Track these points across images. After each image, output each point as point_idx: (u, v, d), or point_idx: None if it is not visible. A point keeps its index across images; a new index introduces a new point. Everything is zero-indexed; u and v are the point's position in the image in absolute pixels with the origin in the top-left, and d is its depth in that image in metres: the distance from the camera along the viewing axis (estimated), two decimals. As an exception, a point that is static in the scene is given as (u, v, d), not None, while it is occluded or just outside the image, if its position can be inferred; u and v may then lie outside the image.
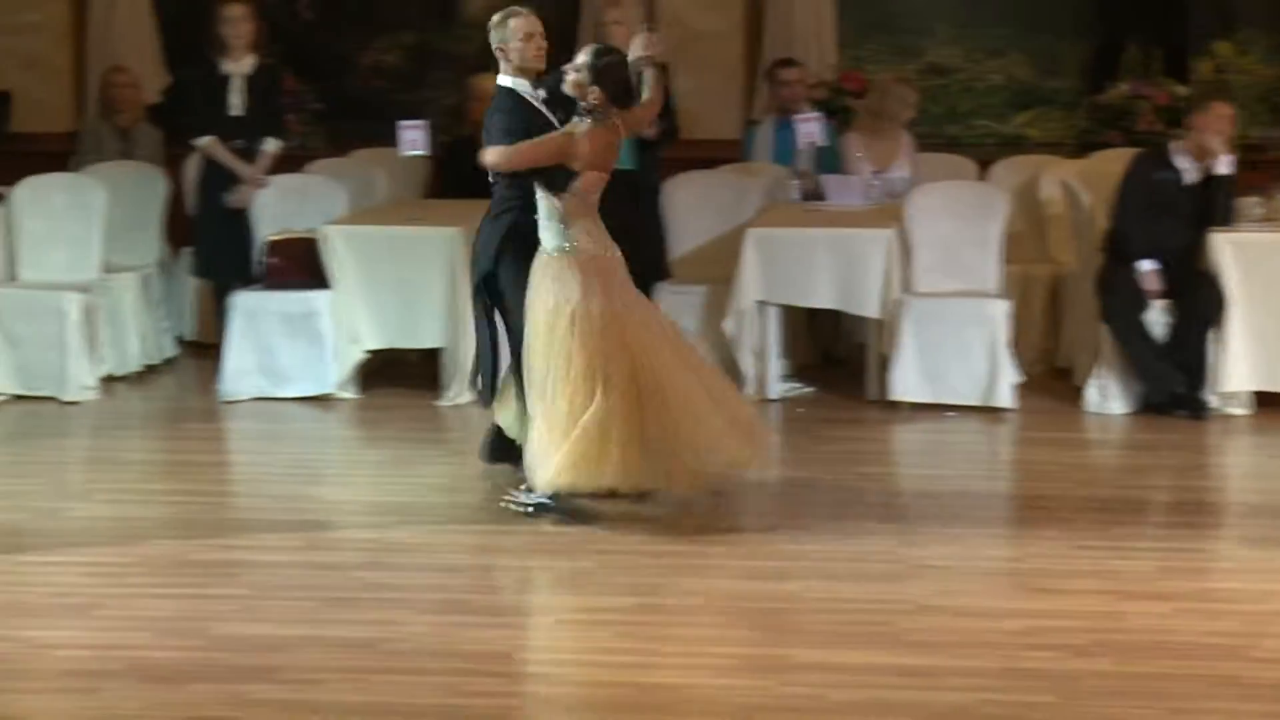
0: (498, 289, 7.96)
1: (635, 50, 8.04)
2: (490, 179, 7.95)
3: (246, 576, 7.21)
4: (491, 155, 7.78)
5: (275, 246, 10.26)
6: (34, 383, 10.09)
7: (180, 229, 11.18)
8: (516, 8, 8.00)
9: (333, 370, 10.08)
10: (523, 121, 7.82)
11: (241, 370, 10.09)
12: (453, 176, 11.31)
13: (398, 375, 10.50)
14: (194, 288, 11.30)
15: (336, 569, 7.25)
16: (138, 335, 10.77)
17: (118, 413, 10.01)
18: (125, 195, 10.87)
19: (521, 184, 7.84)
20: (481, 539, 7.67)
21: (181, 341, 11.35)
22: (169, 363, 11.11)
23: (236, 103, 10.54)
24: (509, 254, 7.89)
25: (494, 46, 7.98)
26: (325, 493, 8.55)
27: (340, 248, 10.05)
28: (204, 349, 11.09)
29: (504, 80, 7.98)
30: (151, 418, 10.10)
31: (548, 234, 7.76)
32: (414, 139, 10.56)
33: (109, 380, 10.42)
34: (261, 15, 10.78)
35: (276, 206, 10.54)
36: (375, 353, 10.22)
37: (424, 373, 10.31)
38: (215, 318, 10.72)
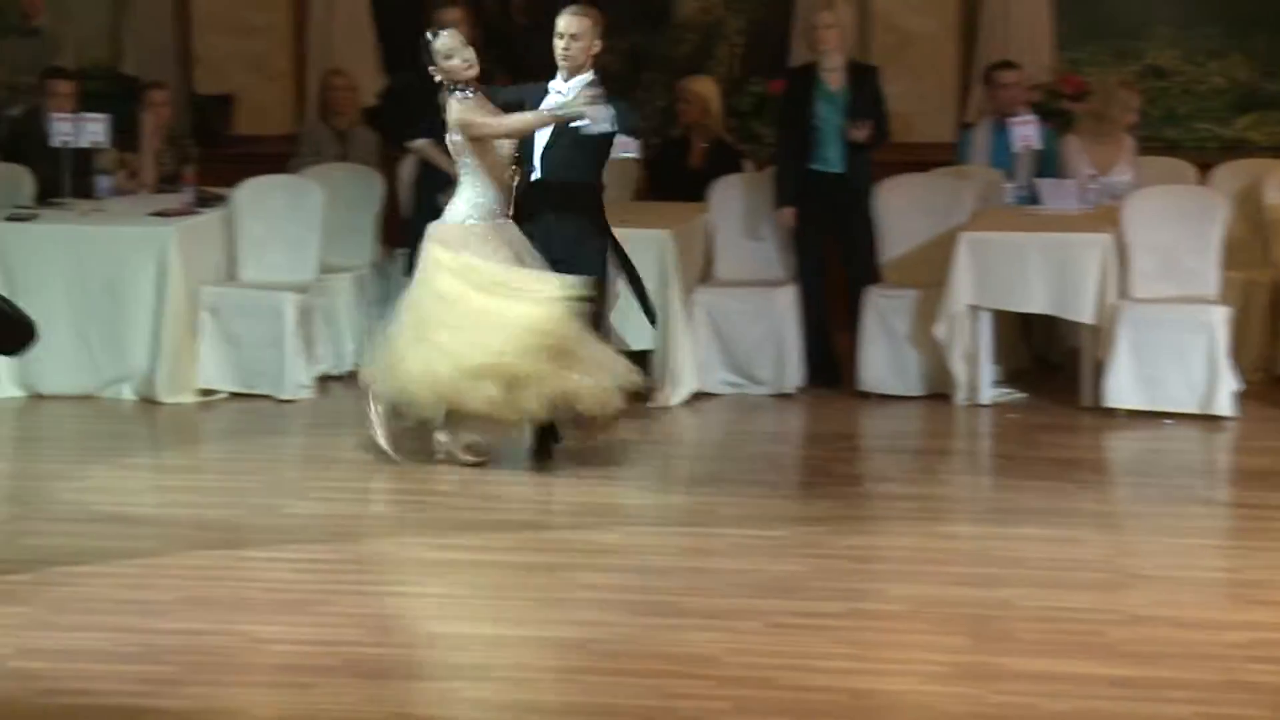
0: None
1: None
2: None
3: (457, 575, 7.26)
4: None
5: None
6: (252, 381, 10.24)
7: (394, 230, 11.28)
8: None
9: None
10: None
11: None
12: (663, 178, 11.32)
13: (608, 377, 10.51)
14: (407, 288, 11.38)
15: (546, 569, 7.28)
16: (352, 335, 10.88)
17: (332, 411, 10.12)
18: (342, 197, 11.00)
19: None
20: (692, 541, 7.66)
21: (390, 341, 11.44)
22: (379, 361, 11.21)
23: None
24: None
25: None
26: (535, 493, 8.59)
27: (552, 249, 10.08)
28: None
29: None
30: (365, 417, 10.19)
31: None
32: (625, 141, 10.57)
33: (324, 379, 10.54)
34: (476, 19, 10.85)
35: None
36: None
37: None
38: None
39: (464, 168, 8.70)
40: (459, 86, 8.60)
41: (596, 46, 8.70)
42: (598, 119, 8.28)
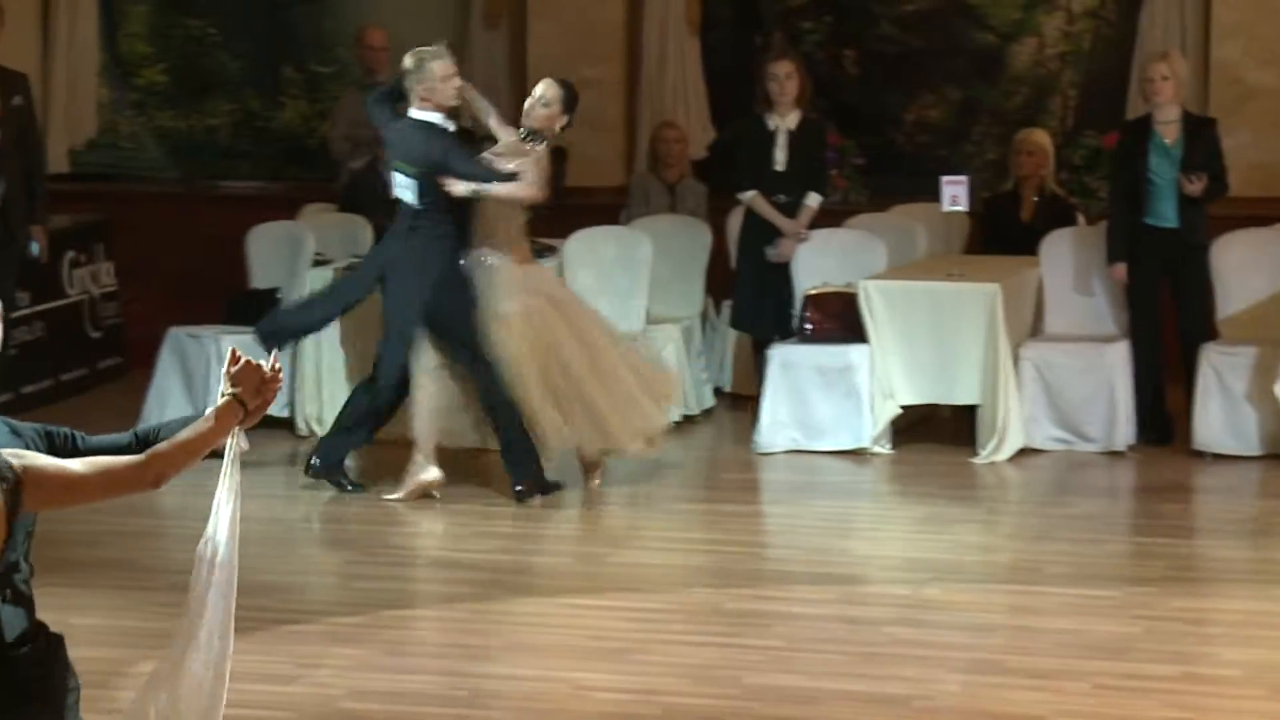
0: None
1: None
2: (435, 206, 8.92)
3: (780, 628, 7.25)
4: (527, 188, 8.92)
5: (813, 300, 10.32)
6: (579, 430, 10.34)
7: (722, 281, 11.34)
8: (430, 49, 8.99)
9: (868, 424, 10.07)
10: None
11: (777, 423, 10.17)
12: (993, 232, 11.21)
13: (932, 431, 10.43)
14: (733, 340, 11.45)
15: (869, 624, 7.23)
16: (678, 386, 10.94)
17: (659, 461, 10.18)
18: (671, 248, 11.10)
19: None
20: (1017, 598, 7.55)
21: (720, 392, 11.50)
22: (707, 413, 11.27)
23: (781, 158, 10.64)
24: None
25: (413, 86, 8.95)
26: (858, 547, 8.55)
27: (878, 302, 10.05)
28: (741, 400, 11.21)
29: (424, 115, 8.95)
30: (689, 467, 10.27)
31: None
32: (956, 194, 10.51)
33: (650, 429, 10.61)
34: (808, 71, 10.87)
35: (816, 260, 10.60)
36: (910, 408, 10.17)
37: (958, 429, 10.21)
38: (753, 370, 10.84)
39: None
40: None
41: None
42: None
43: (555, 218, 11.40)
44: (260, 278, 11.00)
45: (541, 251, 10.91)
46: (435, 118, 8.99)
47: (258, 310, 10.72)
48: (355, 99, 12.19)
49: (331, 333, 10.23)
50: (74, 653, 6.80)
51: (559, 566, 8.11)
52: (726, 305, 11.30)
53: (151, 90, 13.32)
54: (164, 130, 13.34)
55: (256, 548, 8.33)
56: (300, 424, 10.44)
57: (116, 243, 11.99)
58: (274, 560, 8.19)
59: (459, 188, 8.87)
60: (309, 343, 10.24)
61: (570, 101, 9.26)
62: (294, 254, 10.86)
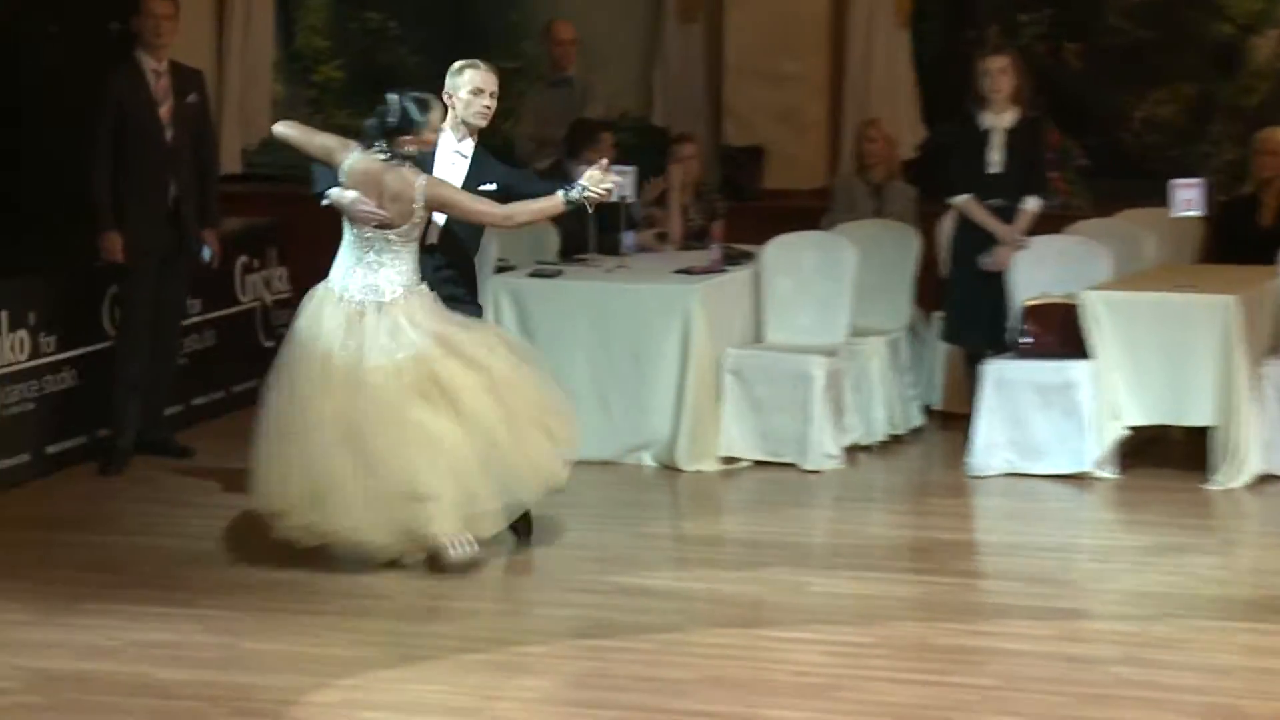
0: None
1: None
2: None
3: (993, 665, 7.13)
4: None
5: (1032, 312, 10.19)
6: (776, 449, 10.28)
7: (931, 291, 11.24)
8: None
9: (1091, 447, 9.91)
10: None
11: (992, 444, 10.04)
12: (1229, 239, 11.00)
13: (1161, 454, 10.24)
14: (944, 354, 11.33)
15: (1091, 662, 7.09)
16: (884, 403, 10.86)
17: (861, 484, 10.11)
18: (876, 255, 11.00)
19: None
20: (1256, 637, 7.37)
21: (929, 411, 11.39)
22: (915, 433, 11.16)
23: (996, 159, 10.52)
24: None
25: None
26: (1080, 579, 8.41)
27: (1103, 315, 9.90)
28: (952, 419, 11.09)
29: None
30: (896, 491, 10.16)
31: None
32: (1189, 198, 10.32)
33: (853, 449, 10.53)
34: (1026, 67, 10.73)
35: (1034, 269, 10.45)
36: (1137, 429, 10.00)
37: (1190, 452, 10.01)
38: (965, 387, 10.72)
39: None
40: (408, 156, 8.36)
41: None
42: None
43: (751, 222, 11.38)
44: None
45: (735, 258, 10.90)
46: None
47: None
48: (542, 96, 12.25)
49: (512, 332, 10.26)
50: (245, 679, 6.89)
51: (755, 595, 8.04)
52: (936, 317, 11.19)
53: (328, 87, 13.46)
54: (341, 129, 13.44)
55: (438, 575, 8.38)
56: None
57: (291, 247, 12.10)
58: (451, 585, 8.20)
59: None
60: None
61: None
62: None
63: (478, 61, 8.57)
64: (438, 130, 8.38)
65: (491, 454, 8.22)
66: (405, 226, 8.27)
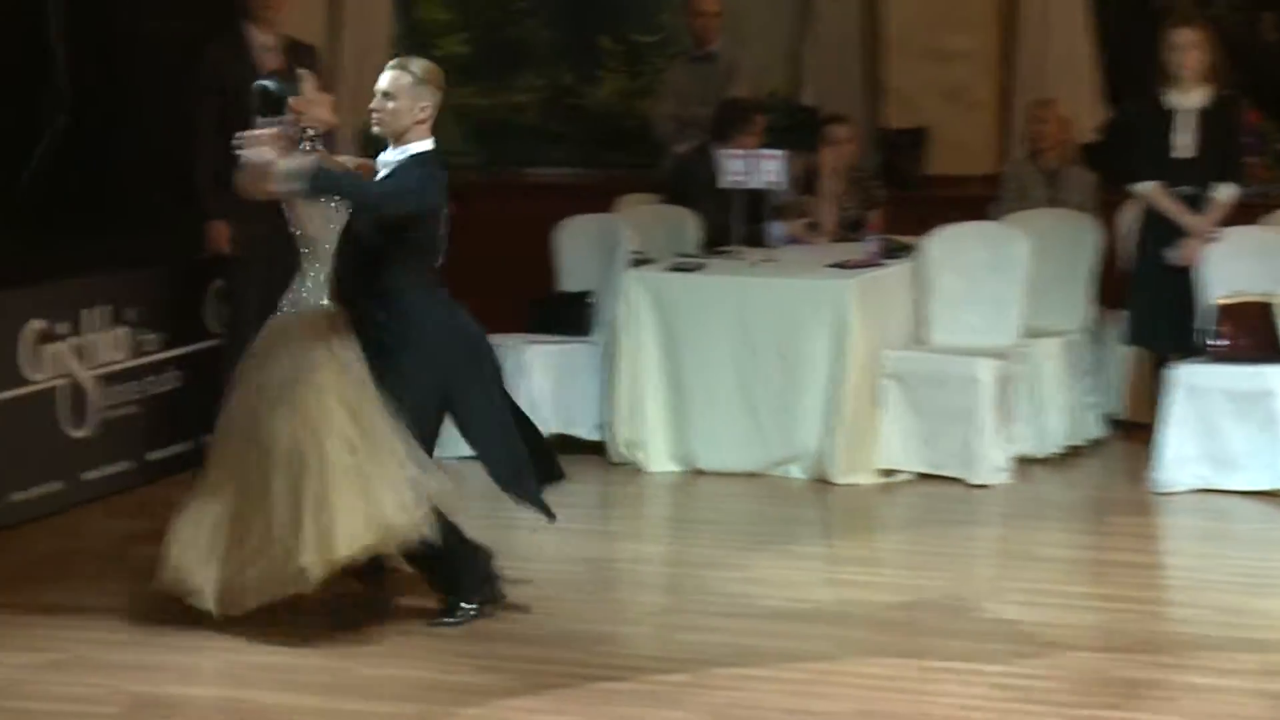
0: None
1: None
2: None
3: (1183, 702, 7.06)
4: None
5: (1225, 312, 10.11)
6: (939, 461, 10.25)
7: (1112, 288, 11.16)
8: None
9: (1291, 461, 9.84)
10: None
11: (1181, 457, 9.97)
12: None
13: (1371, 471, 10.12)
14: (1126, 358, 11.26)
15: (1297, 700, 7.00)
16: (1059, 411, 10.81)
17: (1033, 500, 10.05)
18: (1050, 248, 10.95)
19: None
20: None
21: (1110, 420, 11.32)
22: (1094, 444, 11.10)
23: (1184, 143, 10.44)
24: None
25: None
26: (1278, 607, 8.30)
27: (1304, 316, 9.83)
28: (1135, 430, 11.01)
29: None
30: (1072, 508, 10.10)
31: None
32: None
33: (1024, 462, 10.49)
34: (1219, 39, 10.63)
35: (1228, 265, 10.37)
36: (1342, 443, 9.90)
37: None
38: (1150, 394, 10.64)
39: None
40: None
41: (424, 111, 7.97)
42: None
43: (912, 212, 11.34)
44: (570, 279, 11.12)
45: (895, 250, 10.87)
46: None
47: (566, 316, 10.86)
48: (683, 72, 12.27)
49: (649, 350, 10.31)
50: (363, 706, 6.95)
51: (917, 621, 8.01)
52: (1118, 317, 11.11)
53: (451, 63, 13.48)
54: (465, 109, 13.55)
55: (566, 592, 8.43)
56: (613, 450, 10.50)
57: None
58: (586, 607, 8.24)
59: None
60: (623, 345, 10.33)
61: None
62: (608, 251, 10.94)
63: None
64: (317, 102, 8.11)
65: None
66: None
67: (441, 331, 7.94)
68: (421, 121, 7.89)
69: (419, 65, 7.96)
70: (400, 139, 7.89)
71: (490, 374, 8.12)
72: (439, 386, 7.90)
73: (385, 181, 7.88)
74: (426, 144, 7.94)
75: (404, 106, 7.86)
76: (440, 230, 8.04)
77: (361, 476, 7.65)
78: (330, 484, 7.62)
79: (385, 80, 7.90)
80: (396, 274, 7.90)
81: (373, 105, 7.91)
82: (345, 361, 7.80)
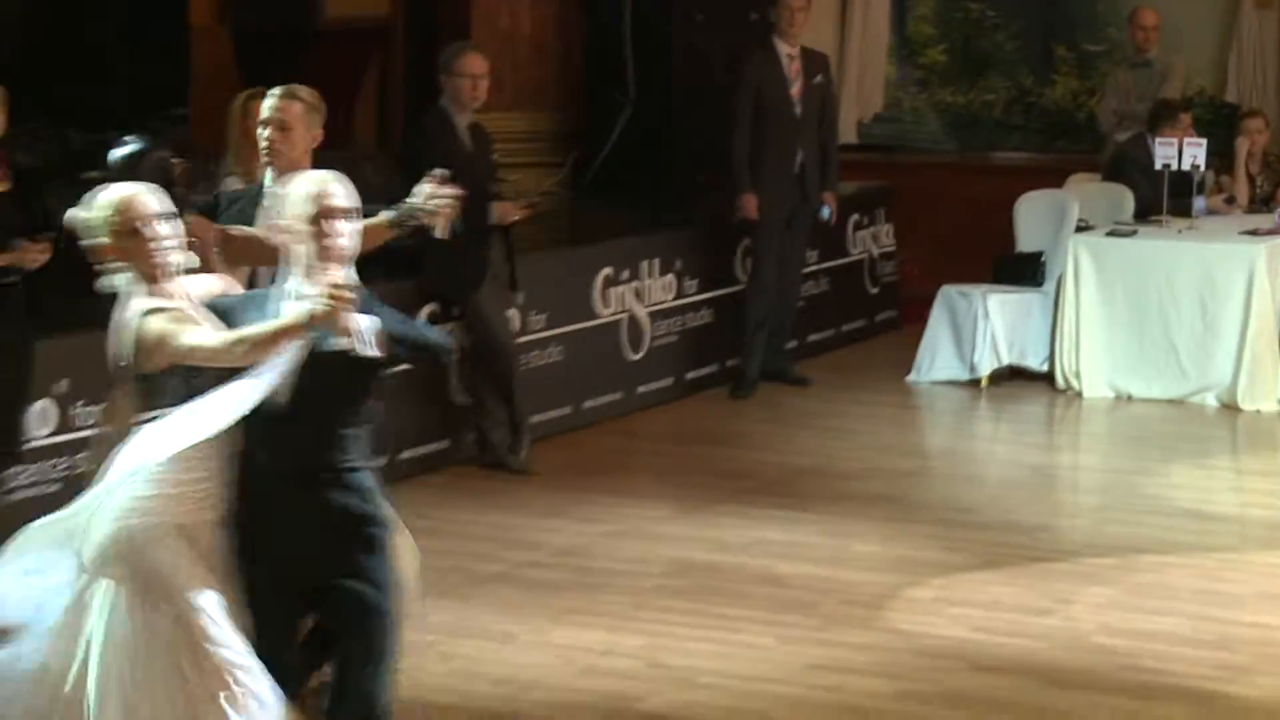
0: None
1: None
2: None
3: None
4: None
5: None
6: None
7: None
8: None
9: None
10: None
11: None
12: None
13: None
14: None
15: None
16: None
17: None
18: None
19: None
20: None
21: None
22: None
23: None
24: None
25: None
26: None
27: None
28: None
29: None
30: None
31: None
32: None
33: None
34: None
35: None
36: None
37: None
38: None
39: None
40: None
41: (315, 141, 6.17)
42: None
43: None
44: (1026, 241, 10.93)
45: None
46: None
47: (1022, 271, 10.72)
48: (1125, 75, 11.97)
49: (1089, 299, 10.11)
50: (851, 575, 6.99)
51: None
52: None
53: (933, 69, 13.42)
54: (943, 105, 13.42)
55: (1017, 491, 8.34)
56: (1058, 379, 10.32)
57: (896, 207, 12.17)
58: (1032, 504, 8.15)
59: None
60: (1069, 295, 10.16)
61: None
62: (1059, 220, 10.73)
63: (273, 89, 6.22)
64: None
65: None
66: None
67: None
68: (309, 151, 6.09)
69: (307, 92, 6.15)
70: (290, 170, 5.79)
71: None
72: None
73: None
74: None
75: (299, 135, 6.10)
76: None
77: None
78: None
79: (279, 110, 6.10)
80: None
81: (266, 136, 6.11)
82: None
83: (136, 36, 11.20)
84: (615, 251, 9.88)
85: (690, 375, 10.31)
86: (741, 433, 9.52)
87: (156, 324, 4.61)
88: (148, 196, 4.77)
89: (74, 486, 7.07)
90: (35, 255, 6.54)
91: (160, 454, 4.57)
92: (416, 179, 5.53)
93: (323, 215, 4.70)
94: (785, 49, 10.24)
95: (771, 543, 7.46)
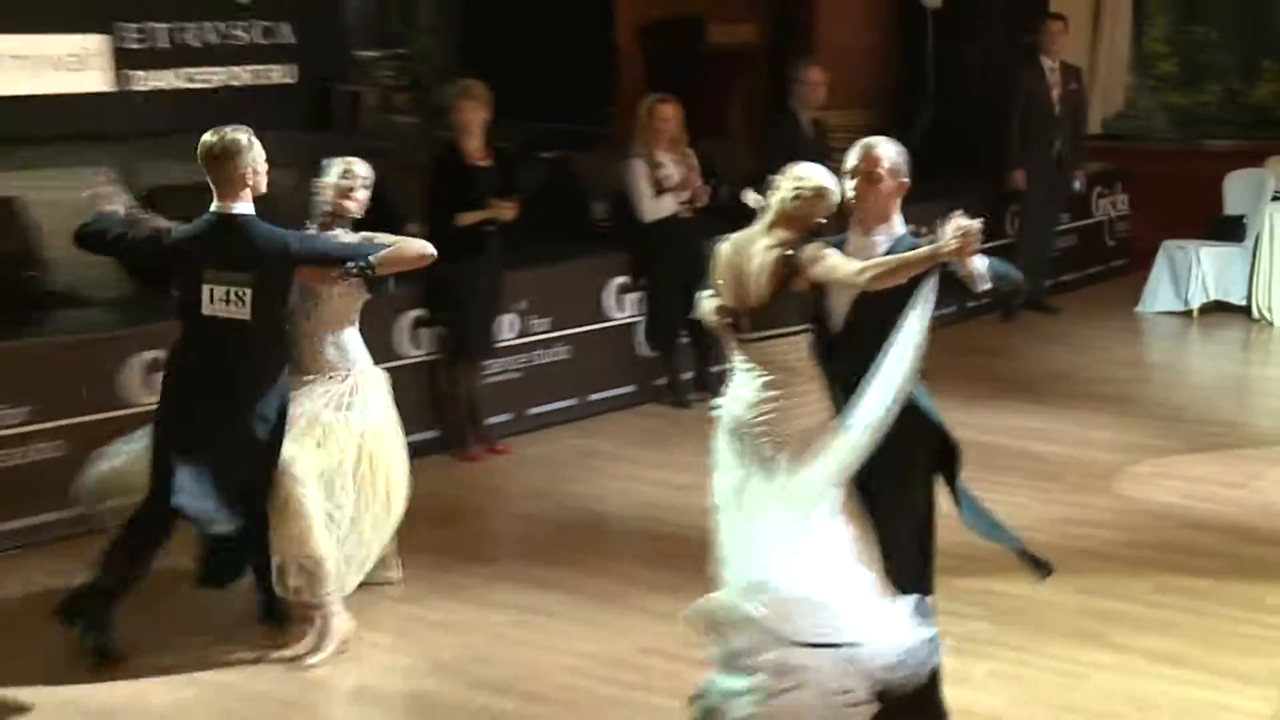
0: None
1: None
2: None
3: None
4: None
5: None
6: None
7: None
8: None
9: None
10: None
11: None
12: None
13: None
14: None
15: None
16: None
17: None
18: None
19: None
20: None
21: None
22: None
23: None
24: None
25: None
26: None
27: None
28: None
29: None
30: None
31: None
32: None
33: None
34: None
35: None
36: None
37: None
38: None
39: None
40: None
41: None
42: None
43: None
44: (1232, 207, 10.50)
45: None
46: None
47: (1228, 230, 10.28)
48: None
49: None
50: (1090, 454, 6.76)
51: None
52: None
53: (1163, 78, 12.83)
54: (1171, 106, 12.83)
55: (1218, 394, 8.08)
56: (1255, 311, 9.83)
57: (1131, 182, 11.75)
58: (1230, 404, 7.88)
59: None
60: (1264, 248, 9.68)
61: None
62: (1258, 191, 10.30)
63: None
64: (343, 192, 5.07)
65: None
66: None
67: None
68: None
69: (245, 130, 4.71)
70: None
71: None
72: None
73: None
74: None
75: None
76: None
77: None
78: None
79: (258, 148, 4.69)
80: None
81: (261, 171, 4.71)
82: None
83: (578, 59, 11.51)
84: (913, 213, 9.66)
85: (970, 305, 10.09)
86: (1009, 346, 9.31)
87: (810, 252, 4.20)
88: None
89: (532, 376, 7.35)
90: (506, 211, 6.81)
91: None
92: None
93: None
94: (1049, 63, 10.00)
95: (1030, 429, 7.33)
